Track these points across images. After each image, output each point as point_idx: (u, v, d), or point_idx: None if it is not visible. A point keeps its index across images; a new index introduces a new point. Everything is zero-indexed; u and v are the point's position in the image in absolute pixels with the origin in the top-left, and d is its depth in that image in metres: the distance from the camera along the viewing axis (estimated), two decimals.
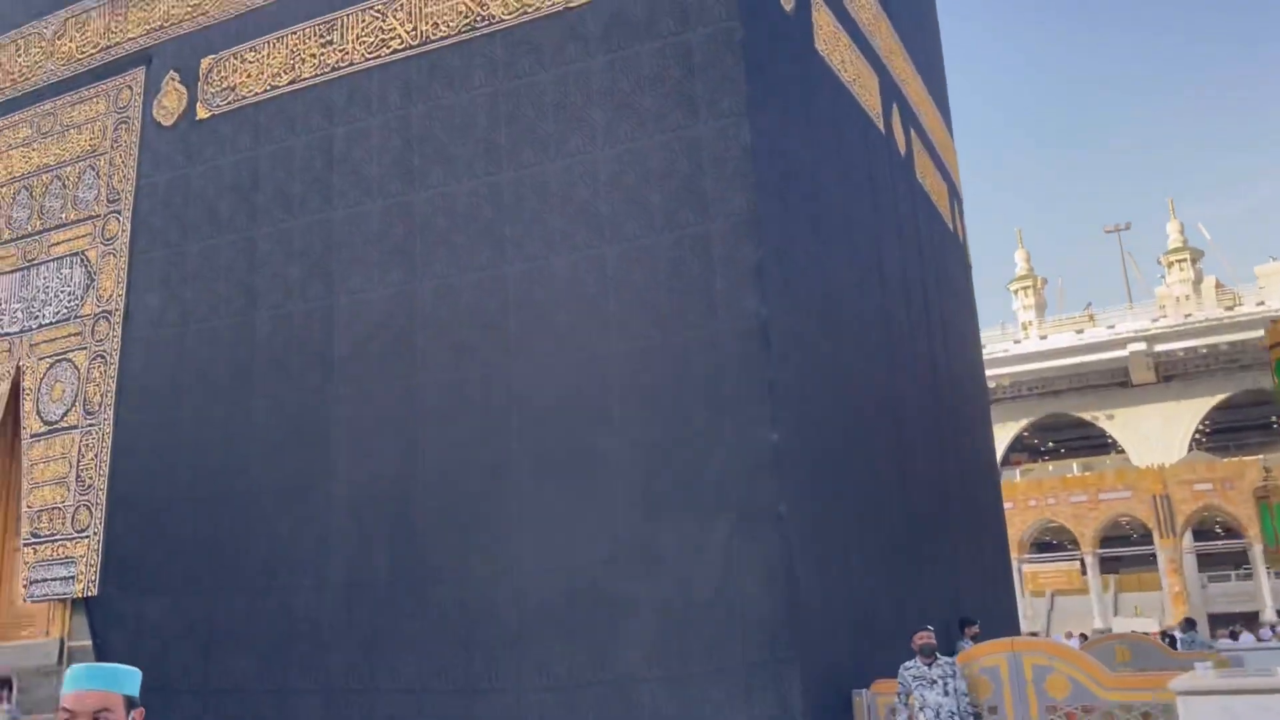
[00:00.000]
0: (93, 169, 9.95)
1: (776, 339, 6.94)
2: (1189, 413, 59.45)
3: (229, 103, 9.38)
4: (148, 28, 10.15)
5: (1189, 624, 15.16)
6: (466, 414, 7.69)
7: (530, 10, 8.15)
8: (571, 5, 8.01)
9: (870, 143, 10.00)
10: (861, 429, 8.35)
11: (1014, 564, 47.81)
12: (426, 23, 8.57)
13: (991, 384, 62.23)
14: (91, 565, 8.86)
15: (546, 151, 7.84)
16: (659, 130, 7.50)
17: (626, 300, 7.34)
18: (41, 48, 10.79)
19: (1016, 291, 67.40)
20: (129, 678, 1.95)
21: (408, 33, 8.63)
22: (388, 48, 8.69)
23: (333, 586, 7.80)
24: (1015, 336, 63.50)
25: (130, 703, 1.92)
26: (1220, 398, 58.70)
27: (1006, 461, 65.67)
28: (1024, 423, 64.12)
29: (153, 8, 10.18)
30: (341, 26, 8.97)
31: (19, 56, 10.95)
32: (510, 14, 8.22)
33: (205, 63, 9.62)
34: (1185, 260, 63.51)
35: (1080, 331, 61.51)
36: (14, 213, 10.37)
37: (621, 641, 6.72)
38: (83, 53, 10.54)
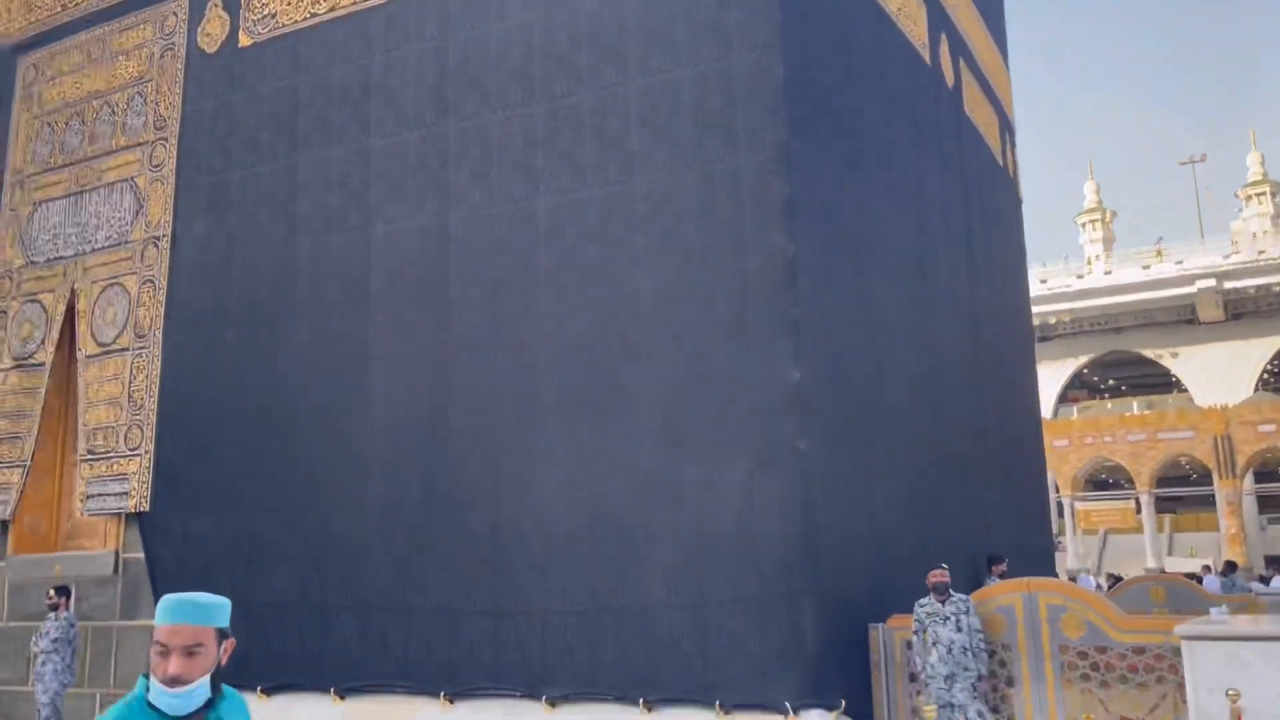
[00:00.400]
0: (140, 95, 10.13)
1: (803, 276, 6.93)
2: (1257, 352, 57.99)
3: (270, 30, 9.45)
4: None
5: (1230, 567, 15.03)
6: (498, 346, 7.81)
7: None
8: None
9: (915, 75, 9.78)
10: (891, 367, 8.33)
11: (1067, 502, 47.65)
12: None
13: (1052, 319, 61.38)
14: (144, 482, 9.24)
15: (580, 83, 7.81)
16: (692, 62, 7.42)
17: (655, 236, 7.36)
18: None
19: (1085, 225, 65.61)
20: (219, 611, 1.97)
21: None
22: None
23: (368, 508, 8.07)
24: (1079, 271, 62.10)
25: (222, 634, 1.96)
26: None
27: (1065, 399, 64.89)
28: (1084, 359, 63.05)
29: None
30: None
31: None
32: None
33: None
34: (1265, 193, 61.20)
35: (1147, 267, 59.96)
36: (67, 138, 10.61)
37: (642, 570, 6.90)
38: None
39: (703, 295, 7.11)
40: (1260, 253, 56.38)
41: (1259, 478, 50.59)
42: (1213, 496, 44.65)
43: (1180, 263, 58.52)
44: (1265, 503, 50.76)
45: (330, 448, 8.38)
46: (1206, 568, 14.54)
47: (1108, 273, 60.83)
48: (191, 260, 9.42)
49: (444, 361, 8.01)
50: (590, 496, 7.24)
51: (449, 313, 8.07)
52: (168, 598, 1.96)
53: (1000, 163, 12.94)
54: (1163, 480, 49.38)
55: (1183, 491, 48.30)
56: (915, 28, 9.87)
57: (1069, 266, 63.06)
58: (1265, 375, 60.80)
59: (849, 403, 7.43)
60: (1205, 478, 45.07)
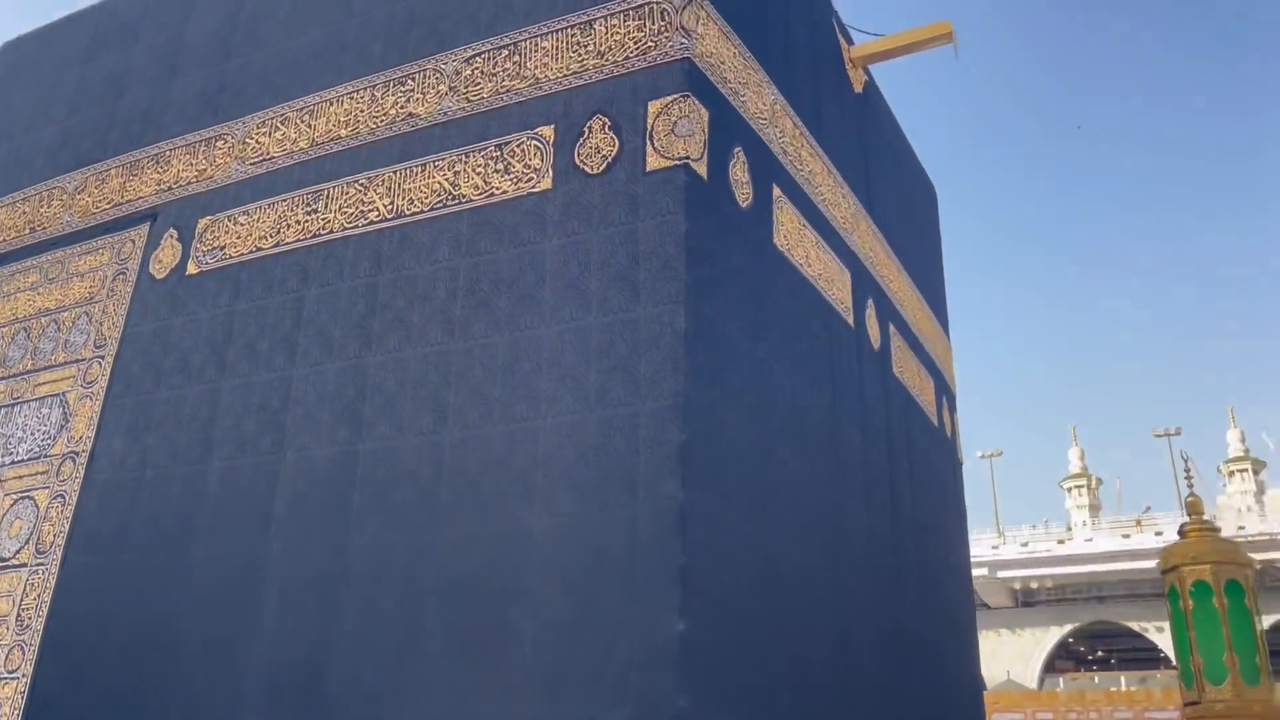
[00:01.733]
0: (86, 315, 10.43)
1: (694, 524, 6.87)
2: None
3: (217, 261, 9.86)
4: (158, 187, 10.81)
5: None
6: (390, 580, 7.64)
7: (497, 193, 8.56)
8: (534, 190, 8.40)
9: (836, 335, 10.13)
10: (795, 624, 8.09)
11: None
12: (403, 198, 9.03)
13: (1034, 584, 60.42)
14: (16, 708, 8.74)
15: (497, 326, 8.07)
16: (602, 312, 7.70)
17: (554, 475, 7.36)
18: (63, 200, 11.52)
19: (1070, 490, 65.93)
20: None
21: (385, 206, 9.09)
22: (365, 219, 9.14)
23: None
24: (1059, 536, 61.80)
25: None
26: (1278, 617, 56.18)
27: (1053, 669, 62.89)
28: (1069, 628, 61.69)
29: (166, 169, 10.87)
30: (326, 196, 9.48)
31: (42, 208, 11.68)
32: (479, 194, 8.64)
33: (202, 223, 10.17)
34: (1246, 470, 61.94)
35: (1127, 536, 59.80)
36: (10, 352, 10.83)
37: None
38: (98, 207, 11.22)
39: (593, 538, 7.02)
40: (1240, 528, 56.37)
41: None
42: None
43: (1160, 534, 58.33)
44: None
45: (211, 684, 7.98)
46: None
47: (1089, 540, 60.57)
48: (104, 477, 9.36)
49: (334, 596, 7.79)
50: None
51: (346, 543, 7.93)
52: None
53: (935, 424, 13.18)
54: None
55: None
56: (837, 291, 10.33)
57: (1049, 531, 62.77)
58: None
59: (743, 658, 7.17)
60: None
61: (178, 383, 9.43)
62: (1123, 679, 60.47)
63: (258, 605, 8.05)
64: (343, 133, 9.73)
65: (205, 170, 10.52)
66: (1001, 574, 59.80)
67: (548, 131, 8.60)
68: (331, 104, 9.96)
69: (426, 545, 7.60)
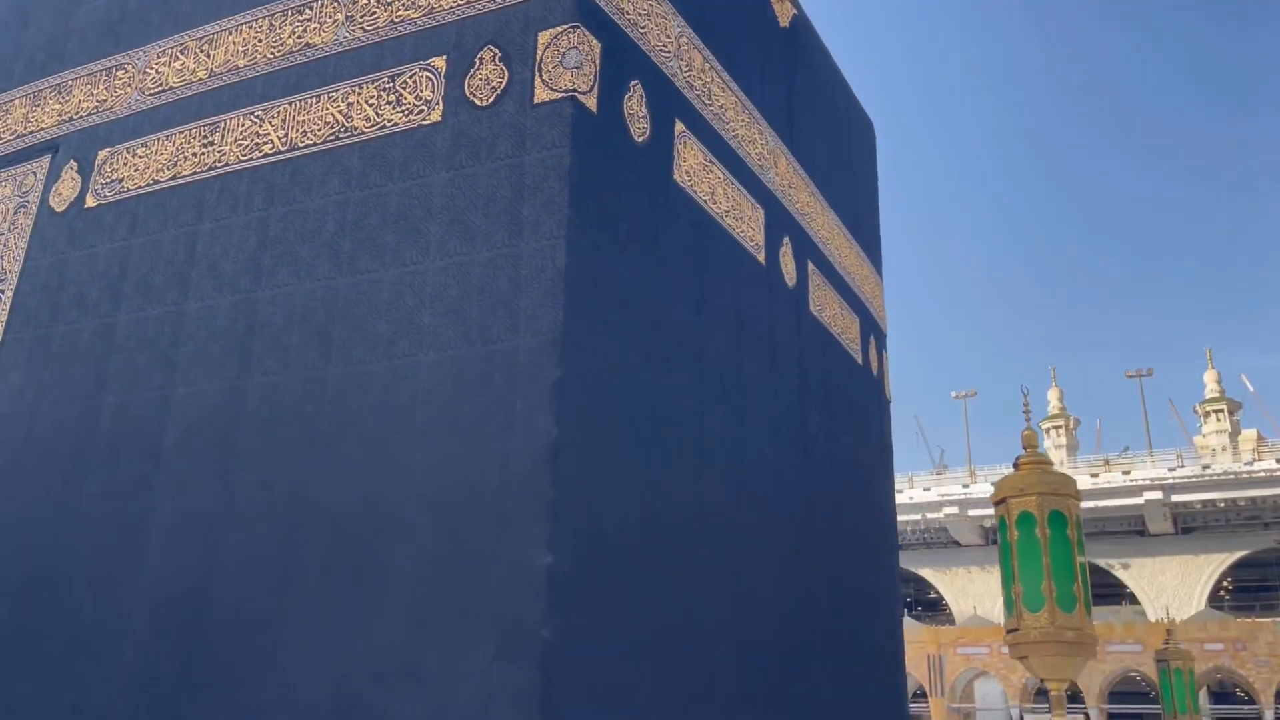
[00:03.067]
0: None
1: (567, 459, 6.89)
2: (1208, 567, 58.12)
3: (115, 194, 9.69)
4: (60, 118, 10.58)
5: None
6: (272, 515, 7.65)
7: (388, 126, 8.42)
8: (425, 123, 8.26)
9: (744, 272, 10.08)
10: (683, 558, 8.17)
11: (1015, 712, 46.35)
12: (297, 130, 8.87)
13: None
14: None
15: (383, 261, 7.99)
16: (486, 247, 7.63)
17: (433, 411, 7.35)
18: None
19: (1049, 430, 66.52)
20: None
21: (279, 138, 8.93)
22: (260, 151, 8.98)
23: (121, 684, 7.65)
24: None
25: None
26: (1241, 554, 57.44)
27: None
28: None
29: (67, 99, 10.64)
30: (223, 129, 9.30)
31: None
32: (370, 127, 8.50)
33: (102, 155, 9.98)
34: (1222, 411, 62.66)
35: (1095, 475, 60.64)
36: None
37: None
38: (1, 139, 10.99)
39: (469, 474, 7.03)
40: (1205, 468, 57.18)
41: (1216, 698, 49.52)
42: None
43: (1127, 473, 59.21)
44: None
45: (98, 618, 8.01)
46: None
47: None
48: (1, 411, 9.30)
49: (219, 530, 7.80)
50: (337, 679, 6.91)
51: (232, 478, 7.93)
52: None
53: (860, 362, 13.21)
54: (1118, 695, 48.19)
55: (1138, 709, 47.06)
56: (747, 228, 10.26)
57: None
58: (1223, 592, 60.65)
59: (615, 592, 7.23)
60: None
61: (74, 317, 9.33)
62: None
63: (145, 540, 8.06)
64: (240, 63, 9.51)
65: (106, 101, 10.30)
66: (972, 512, 60.71)
67: (440, 63, 8.43)
68: (230, 33, 9.72)
69: (308, 481, 7.59)
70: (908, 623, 54.84)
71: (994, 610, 60.98)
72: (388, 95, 8.55)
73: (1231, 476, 55.55)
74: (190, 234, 9.02)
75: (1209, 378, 65.22)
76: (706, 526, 8.66)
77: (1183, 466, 57.29)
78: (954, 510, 60.95)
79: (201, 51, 9.85)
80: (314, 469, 7.61)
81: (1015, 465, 5.33)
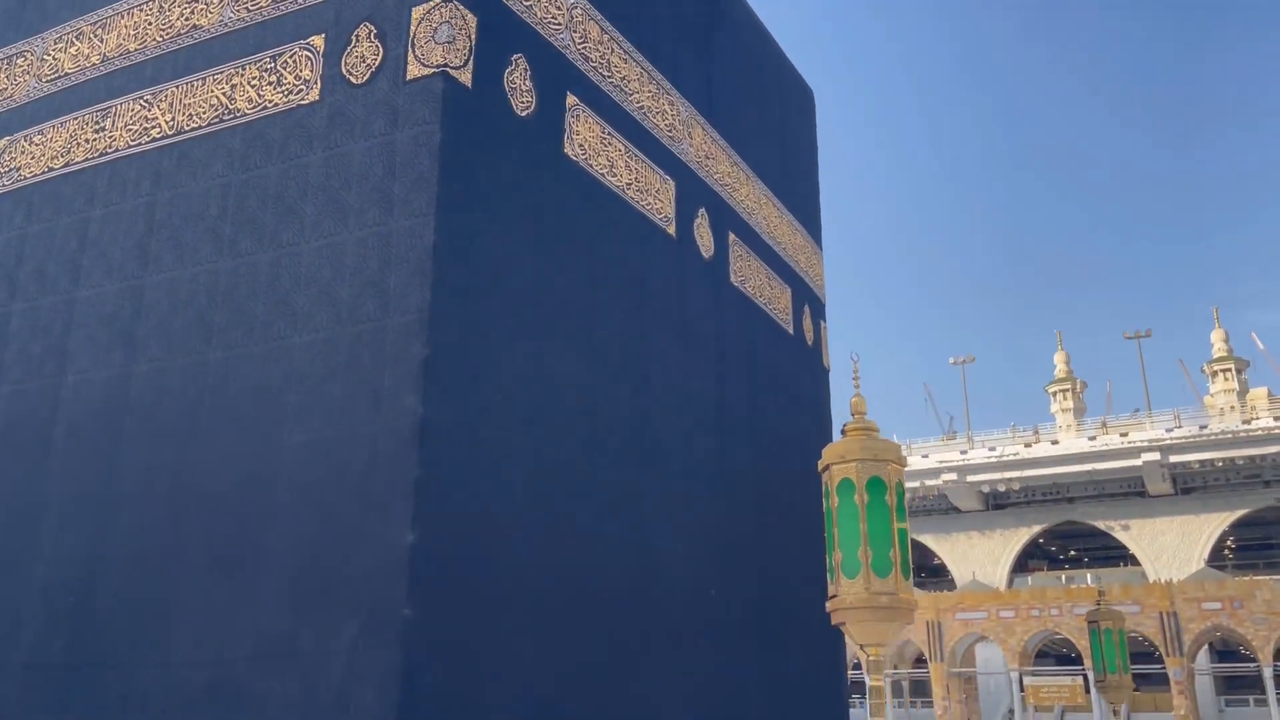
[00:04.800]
0: None
1: (435, 438, 6.89)
2: (1207, 527, 58.06)
3: (13, 182, 9.66)
4: None
5: None
6: (157, 501, 7.68)
7: (269, 106, 8.36)
8: (303, 102, 8.20)
9: (650, 246, 10.02)
10: (567, 536, 8.11)
11: (1014, 676, 46.62)
12: (184, 113, 8.82)
13: (1001, 487, 61.32)
14: None
15: (261, 243, 7.97)
16: (359, 226, 7.60)
17: (305, 393, 7.36)
18: None
19: (1055, 394, 66.24)
20: None
21: (167, 123, 8.88)
22: (148, 136, 8.94)
23: (12, 670, 7.72)
24: (1027, 440, 62.47)
25: None
26: (1241, 513, 57.32)
27: (1024, 569, 64.30)
28: (1037, 529, 62.88)
29: None
30: (114, 114, 9.25)
31: None
32: (252, 108, 8.44)
33: (1, 143, 9.95)
34: (1230, 370, 62.36)
35: (1093, 438, 60.50)
36: None
37: None
38: None
39: (339, 454, 7.05)
40: (1202, 428, 56.94)
41: (1222, 656, 49.65)
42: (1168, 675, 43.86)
43: (1125, 435, 59.02)
44: (1230, 683, 49.52)
45: None
46: None
47: (1054, 443, 61.28)
48: None
49: (108, 515, 7.84)
50: (214, 661, 6.96)
51: (119, 464, 7.95)
52: None
53: (791, 332, 13.13)
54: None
55: (1136, 669, 47.30)
56: (655, 201, 10.18)
57: (1016, 435, 63.44)
58: (1226, 550, 60.61)
59: (485, 569, 7.19)
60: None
61: None
62: (1089, 576, 61.96)
63: (38, 526, 8.11)
64: (132, 47, 9.44)
65: (6, 89, 10.24)
66: (971, 478, 60.67)
67: (319, 41, 8.36)
68: (122, 17, 9.64)
69: (191, 466, 7.62)
70: None
71: (995, 575, 61.17)
72: (269, 76, 8.48)
73: (1229, 436, 55.29)
74: (82, 221, 9.00)
75: (1215, 337, 64.72)
76: (605, 502, 8.65)
77: (1180, 427, 57.03)
78: (952, 477, 60.90)
79: (96, 36, 9.77)
80: (195, 454, 7.63)
81: (843, 432, 5.29)
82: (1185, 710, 41.61)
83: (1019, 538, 63.33)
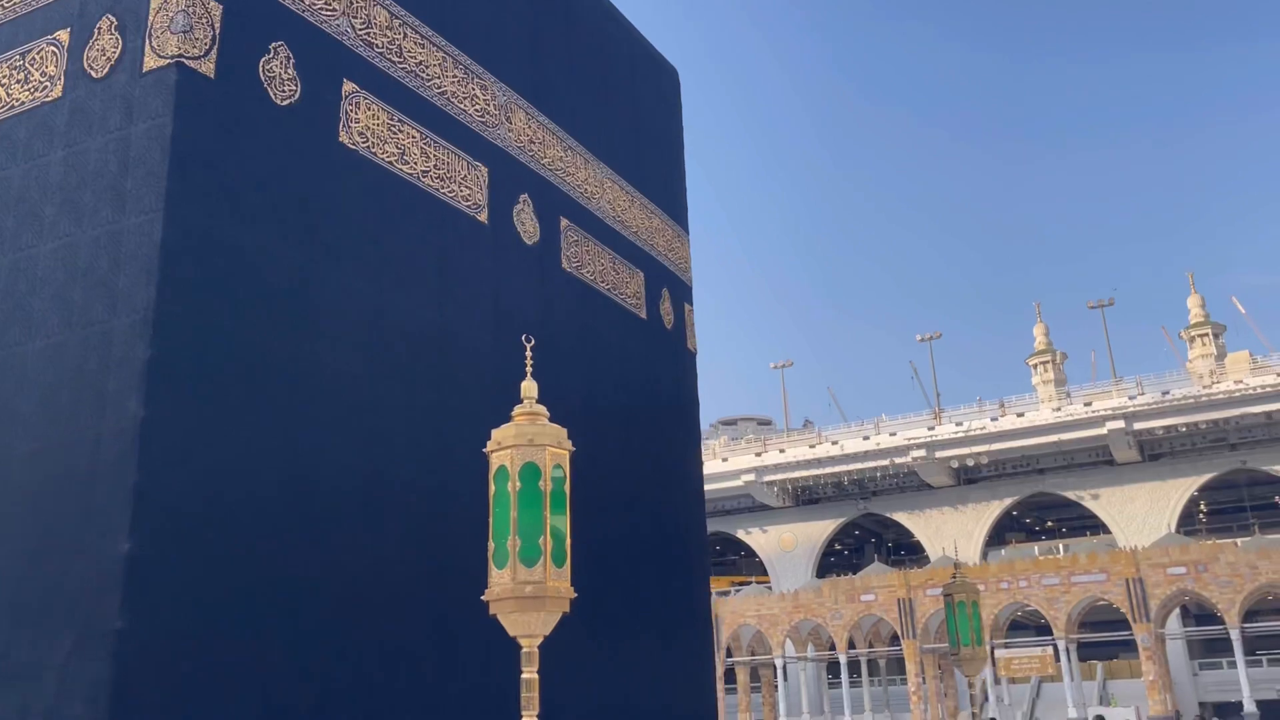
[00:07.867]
0: None
1: (159, 442, 6.65)
2: (1175, 493, 58.02)
3: None
4: None
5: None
6: None
7: (16, 105, 8.08)
8: (47, 100, 7.93)
9: (454, 234, 9.75)
10: (319, 543, 7.70)
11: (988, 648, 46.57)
12: None
13: (970, 462, 61.20)
14: None
15: (2, 247, 7.70)
16: (92, 226, 7.34)
17: (36, 399, 7.11)
18: None
19: (1035, 366, 66.05)
20: None
21: None
22: None
23: None
24: (992, 413, 62.38)
25: None
26: (1207, 477, 57.27)
27: (1001, 541, 64.32)
28: (1008, 501, 62.82)
29: None
30: None
31: None
32: (1, 108, 8.16)
33: None
34: (1207, 335, 62.25)
35: (1058, 409, 60.37)
36: None
37: None
38: None
39: (62, 462, 6.81)
40: (1164, 394, 56.84)
41: (1199, 620, 49.65)
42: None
43: (1089, 404, 58.91)
44: (1207, 646, 49.57)
45: None
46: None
47: (1020, 415, 61.17)
48: None
49: None
50: None
51: None
52: None
53: (643, 316, 12.86)
54: (1089, 625, 48.36)
55: (1105, 637, 47.25)
56: (461, 187, 9.91)
57: (983, 409, 63.33)
58: (1200, 515, 60.63)
59: (212, 579, 6.85)
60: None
61: None
62: (1061, 547, 61.97)
63: None
64: None
65: None
66: (940, 454, 60.48)
67: (64, 36, 8.07)
68: None
69: None
70: (877, 567, 54.93)
71: (968, 550, 61.02)
72: (18, 74, 8.19)
73: (1191, 401, 55.19)
74: None
75: (1192, 302, 64.38)
76: (373, 505, 8.34)
77: (1143, 394, 56.95)
78: (921, 454, 60.73)
79: None
80: None
81: (510, 418, 5.07)
82: (1155, 675, 41.63)
83: (991, 511, 63.26)
